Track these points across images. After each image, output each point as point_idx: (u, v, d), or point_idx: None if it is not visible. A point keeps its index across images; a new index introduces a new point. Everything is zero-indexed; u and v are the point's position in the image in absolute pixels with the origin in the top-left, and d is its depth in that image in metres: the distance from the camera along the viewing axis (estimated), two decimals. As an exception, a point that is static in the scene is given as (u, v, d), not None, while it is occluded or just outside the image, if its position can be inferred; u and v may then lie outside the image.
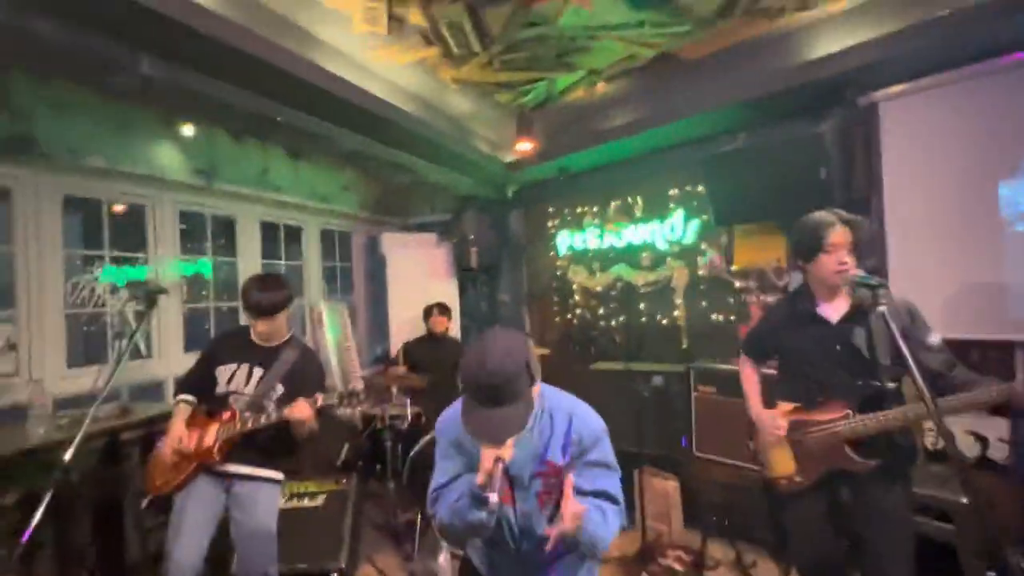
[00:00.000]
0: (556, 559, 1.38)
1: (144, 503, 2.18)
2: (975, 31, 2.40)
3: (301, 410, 2.04)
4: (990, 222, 2.54)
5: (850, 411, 1.79)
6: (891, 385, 1.76)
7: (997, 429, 2.49)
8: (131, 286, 3.25)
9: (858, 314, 1.81)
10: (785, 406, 2.01)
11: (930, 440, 2.70)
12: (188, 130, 3.25)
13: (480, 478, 1.19)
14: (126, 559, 2.94)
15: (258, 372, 2.21)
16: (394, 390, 4.59)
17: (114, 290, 3.18)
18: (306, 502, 2.92)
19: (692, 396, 3.25)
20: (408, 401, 3.71)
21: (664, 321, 3.88)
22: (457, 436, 1.36)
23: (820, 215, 1.85)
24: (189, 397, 2.23)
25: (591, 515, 1.25)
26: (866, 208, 2.99)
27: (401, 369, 3.84)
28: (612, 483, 1.34)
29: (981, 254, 2.57)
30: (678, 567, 2.90)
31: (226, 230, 4.01)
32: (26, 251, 2.81)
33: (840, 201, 2.98)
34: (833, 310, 1.88)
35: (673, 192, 3.85)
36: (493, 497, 1.15)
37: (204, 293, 3.99)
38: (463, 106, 3.65)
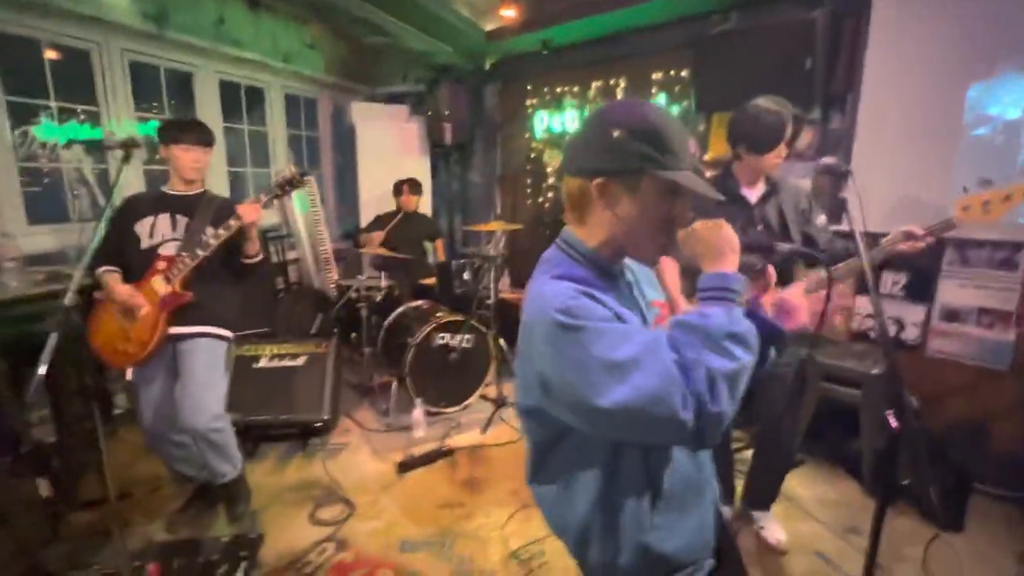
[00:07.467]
0: None
1: (129, 375, 2.10)
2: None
3: (249, 211, 1.97)
4: (953, 126, 2.64)
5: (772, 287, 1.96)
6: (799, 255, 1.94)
7: (914, 315, 2.84)
8: (107, 141, 3.02)
9: (770, 195, 1.97)
10: None
11: (855, 324, 3.08)
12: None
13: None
14: (112, 408, 3.13)
15: (183, 220, 2.13)
16: (365, 262, 4.69)
17: (68, 145, 2.99)
18: (287, 362, 3.09)
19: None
20: (383, 274, 3.80)
21: (634, 208, 3.98)
22: (614, 310, 0.87)
23: (774, 108, 1.80)
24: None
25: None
26: (841, 104, 3.05)
27: (378, 235, 3.86)
28: None
29: (936, 157, 2.70)
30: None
31: (183, 88, 3.71)
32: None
33: (820, 95, 3.02)
34: (753, 193, 2.00)
35: (657, 76, 3.75)
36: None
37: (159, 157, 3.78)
38: (443, -41, 3.33)
